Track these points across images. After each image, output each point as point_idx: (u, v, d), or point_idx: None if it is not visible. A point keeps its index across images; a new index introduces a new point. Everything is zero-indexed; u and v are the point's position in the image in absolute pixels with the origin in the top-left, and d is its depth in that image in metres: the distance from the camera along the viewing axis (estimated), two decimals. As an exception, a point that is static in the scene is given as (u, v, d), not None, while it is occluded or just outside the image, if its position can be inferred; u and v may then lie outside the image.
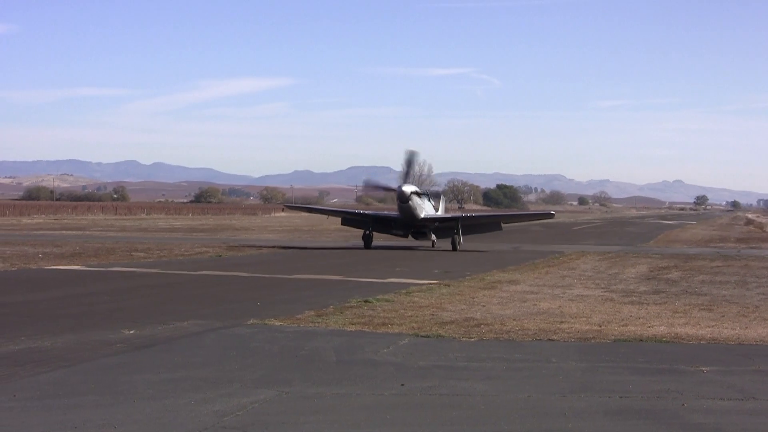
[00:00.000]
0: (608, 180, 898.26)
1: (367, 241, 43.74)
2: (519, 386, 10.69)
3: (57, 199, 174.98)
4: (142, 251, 36.96)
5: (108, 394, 9.99)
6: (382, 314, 17.09)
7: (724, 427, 9.05)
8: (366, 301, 19.01)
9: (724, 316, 17.75)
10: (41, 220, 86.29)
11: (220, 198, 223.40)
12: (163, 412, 9.24)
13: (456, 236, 43.31)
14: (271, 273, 27.13)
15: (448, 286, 23.32)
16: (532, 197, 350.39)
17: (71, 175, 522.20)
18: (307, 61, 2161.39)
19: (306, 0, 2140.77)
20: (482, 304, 19.34)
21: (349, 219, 48.79)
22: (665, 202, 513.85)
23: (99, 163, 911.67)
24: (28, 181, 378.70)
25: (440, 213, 48.77)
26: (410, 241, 47.18)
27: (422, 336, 14.46)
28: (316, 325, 15.65)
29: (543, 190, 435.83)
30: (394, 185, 45.70)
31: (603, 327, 15.76)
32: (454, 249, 42.45)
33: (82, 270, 27.77)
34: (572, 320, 16.67)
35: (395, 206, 45.42)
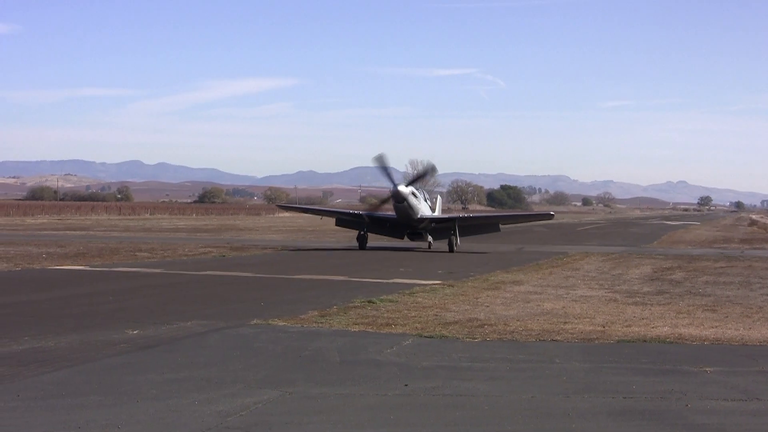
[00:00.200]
0: (612, 181, 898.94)
1: (362, 242, 42.89)
2: (522, 387, 10.68)
3: (61, 199, 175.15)
4: (146, 251, 36.99)
5: (111, 395, 9.99)
6: (385, 314, 17.09)
7: (727, 427, 9.04)
8: (370, 302, 19.00)
9: (727, 316, 17.72)
10: (45, 220, 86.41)
11: (224, 198, 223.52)
12: (167, 413, 9.25)
13: (453, 237, 42.35)
14: (275, 273, 27.13)
15: (452, 286, 23.30)
16: (535, 198, 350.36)
17: (75, 175, 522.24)
18: (311, 61, 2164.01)
19: (310, 0, 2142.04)
20: (486, 304, 19.33)
21: (343, 219, 47.67)
22: (669, 203, 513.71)
23: (103, 163, 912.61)
24: (31, 181, 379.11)
25: (437, 214, 47.64)
26: (406, 242, 46.35)
27: (426, 336, 14.46)
28: (320, 325, 15.65)
29: (547, 191, 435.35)
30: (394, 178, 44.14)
31: (607, 328, 15.74)
32: (451, 250, 41.54)
33: (86, 270, 27.79)
34: (576, 321, 16.66)
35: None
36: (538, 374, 11.47)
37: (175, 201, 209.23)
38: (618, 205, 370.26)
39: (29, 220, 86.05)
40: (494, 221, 49.22)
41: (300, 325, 15.56)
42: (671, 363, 12.33)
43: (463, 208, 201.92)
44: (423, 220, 43.44)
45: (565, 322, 16.35)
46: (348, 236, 52.63)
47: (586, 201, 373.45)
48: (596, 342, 14.16)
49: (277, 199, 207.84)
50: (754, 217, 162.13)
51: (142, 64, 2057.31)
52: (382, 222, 45.39)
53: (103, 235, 55.36)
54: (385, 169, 42.49)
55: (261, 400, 9.81)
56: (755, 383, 11.12)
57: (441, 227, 44.30)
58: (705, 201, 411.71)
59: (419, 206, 43.09)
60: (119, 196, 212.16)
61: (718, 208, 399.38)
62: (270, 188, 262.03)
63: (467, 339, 14.29)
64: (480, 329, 15.32)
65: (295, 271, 27.75)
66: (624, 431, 8.92)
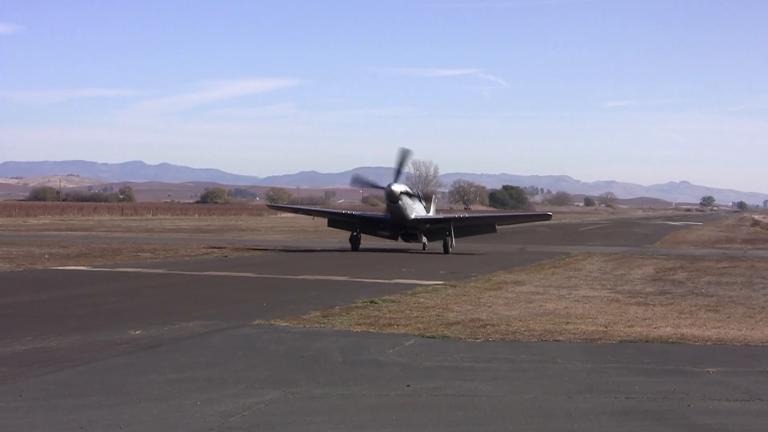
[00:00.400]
0: (614, 181, 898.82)
1: (355, 242, 41.94)
2: (525, 387, 10.68)
3: (63, 200, 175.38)
4: (148, 252, 37.01)
5: (114, 395, 10.00)
6: (387, 315, 17.09)
7: (730, 428, 9.03)
8: (372, 302, 19.00)
9: (730, 317, 17.72)
10: (47, 221, 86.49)
11: (226, 199, 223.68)
12: (169, 413, 9.25)
13: (448, 238, 41.52)
14: (277, 273, 27.14)
15: (454, 286, 23.30)
16: (538, 198, 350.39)
17: (77, 176, 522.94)
18: (313, 61, 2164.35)
19: (312, 1, 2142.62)
20: (488, 304, 19.33)
21: (336, 220, 46.69)
22: (671, 203, 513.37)
23: (105, 164, 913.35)
24: (34, 182, 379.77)
25: (431, 214, 46.81)
26: (401, 244, 45.38)
27: (428, 337, 14.46)
28: (322, 325, 15.65)
29: (549, 191, 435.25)
30: (383, 183, 43.06)
31: (609, 328, 15.74)
32: (446, 251, 40.79)
33: (88, 270, 27.81)
34: (578, 321, 16.65)
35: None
36: (540, 374, 11.47)
37: (178, 201, 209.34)
38: (620, 206, 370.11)
39: (32, 221, 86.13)
40: (490, 222, 48.20)
41: (302, 326, 15.56)
42: (673, 363, 12.32)
43: (466, 209, 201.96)
44: (417, 220, 42.70)
45: (568, 323, 16.35)
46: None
47: (588, 201, 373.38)
48: (598, 342, 14.15)
49: (280, 199, 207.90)
50: (756, 217, 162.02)
51: (145, 65, 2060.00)
52: (375, 222, 44.58)
53: (105, 235, 55.39)
54: (366, 182, 42.64)
55: (263, 401, 9.81)
56: (757, 383, 11.11)
57: (436, 228, 43.38)
58: (707, 201, 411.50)
59: (413, 206, 42.39)
60: (121, 196, 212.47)
61: (720, 208, 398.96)
62: (272, 188, 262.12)
63: (469, 339, 14.29)
64: (482, 329, 15.32)
65: (297, 272, 27.77)
66: (626, 431, 8.92)
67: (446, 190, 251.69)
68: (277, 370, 11.58)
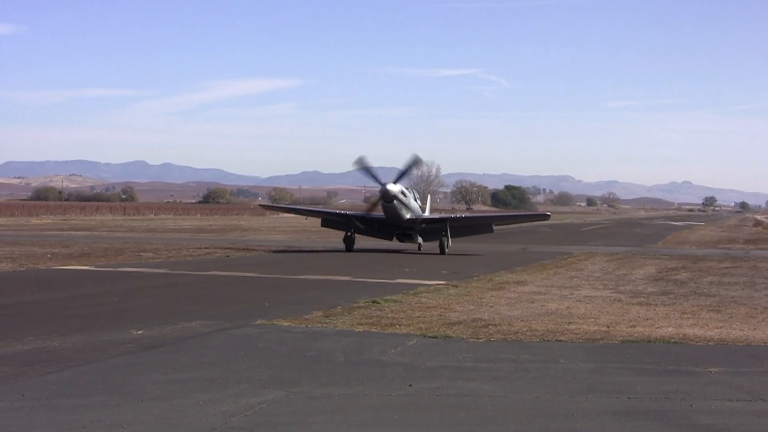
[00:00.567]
0: (617, 181, 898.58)
1: (349, 243, 40.97)
2: (527, 387, 10.68)
3: (65, 200, 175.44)
4: (151, 252, 37.03)
5: (116, 395, 10.01)
6: (390, 315, 17.09)
7: (732, 428, 9.03)
8: (374, 302, 19.00)
9: (732, 317, 17.71)
10: (50, 221, 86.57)
11: (229, 198, 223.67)
12: (171, 413, 9.26)
13: (444, 238, 40.48)
14: (279, 273, 27.15)
15: (456, 286, 23.30)
16: (540, 198, 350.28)
17: (80, 176, 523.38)
18: (316, 61, 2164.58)
19: (314, 0, 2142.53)
20: (490, 304, 19.33)
21: (329, 220, 45.76)
22: (674, 203, 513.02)
23: (107, 164, 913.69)
24: (36, 182, 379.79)
25: (426, 214, 45.94)
26: (396, 244, 44.59)
27: (430, 336, 14.46)
28: (324, 325, 15.66)
29: (551, 191, 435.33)
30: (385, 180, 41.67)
31: (611, 328, 15.73)
32: (442, 252, 39.79)
33: (91, 270, 27.83)
34: (580, 321, 16.65)
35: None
36: (542, 374, 11.47)
37: (180, 201, 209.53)
38: (622, 206, 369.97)
39: (34, 221, 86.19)
40: (487, 222, 47.22)
41: (304, 326, 15.57)
42: (675, 363, 12.32)
43: (468, 209, 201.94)
44: (413, 220, 41.89)
45: (570, 323, 16.35)
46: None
47: (590, 201, 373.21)
48: (600, 342, 14.15)
49: (282, 199, 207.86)
50: (758, 217, 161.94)
51: (147, 65, 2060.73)
52: (370, 223, 43.56)
53: (107, 235, 55.44)
54: (368, 170, 41.02)
55: (265, 401, 9.82)
56: (760, 384, 11.11)
57: (431, 228, 42.54)
58: (709, 201, 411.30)
59: (408, 206, 41.52)
60: (124, 196, 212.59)
61: (722, 208, 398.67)
62: (274, 188, 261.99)
63: (471, 339, 14.29)
64: (484, 329, 15.32)
65: (299, 272, 27.77)
66: (628, 431, 8.92)
67: (448, 190, 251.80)
68: (279, 370, 11.58)
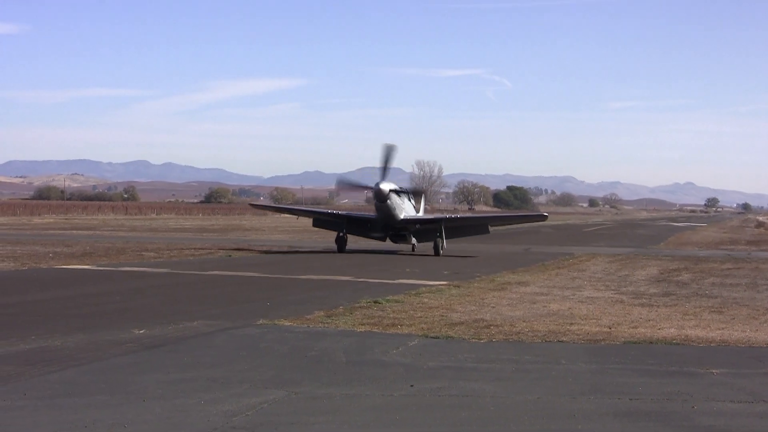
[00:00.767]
0: (619, 182, 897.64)
1: (341, 244, 40.20)
2: (528, 388, 10.68)
3: (67, 199, 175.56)
4: (152, 251, 37.06)
5: (118, 394, 10.02)
6: (391, 315, 17.10)
7: (734, 429, 9.03)
8: (376, 302, 19.01)
9: (734, 318, 17.70)
10: (52, 220, 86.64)
11: (230, 198, 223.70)
12: (173, 412, 9.27)
13: (439, 239, 39.73)
14: (281, 273, 27.16)
15: (458, 287, 23.31)
16: (542, 199, 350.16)
17: (82, 175, 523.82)
18: (318, 61, 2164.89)
19: (318, 1, 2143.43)
20: (492, 305, 19.33)
21: (321, 220, 44.72)
22: (676, 204, 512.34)
23: (110, 163, 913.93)
24: (38, 181, 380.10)
25: (421, 214, 45.13)
26: (389, 245, 43.74)
27: (432, 337, 14.46)
28: (326, 325, 15.66)
29: (553, 192, 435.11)
30: (371, 183, 40.80)
31: (613, 329, 15.73)
32: (437, 253, 39.00)
33: (93, 270, 27.85)
34: (582, 322, 16.65)
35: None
36: (544, 375, 11.46)
37: (182, 201, 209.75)
38: (625, 207, 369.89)
39: (36, 220, 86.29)
40: (483, 222, 46.10)
41: (306, 326, 15.58)
42: (677, 364, 12.31)
43: (470, 209, 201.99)
44: (407, 220, 41.02)
45: (572, 323, 16.34)
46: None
47: (592, 202, 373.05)
48: (602, 343, 14.14)
49: (284, 199, 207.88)
50: (761, 218, 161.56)
51: (149, 65, 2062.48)
52: (362, 223, 42.75)
53: (109, 234, 55.48)
54: (386, 161, 39.53)
55: (267, 400, 9.82)
56: (762, 385, 11.11)
57: (426, 229, 41.57)
58: (712, 202, 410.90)
59: (402, 206, 40.67)
60: (126, 195, 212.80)
61: (725, 209, 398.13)
62: (276, 188, 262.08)
63: (473, 340, 14.29)
64: (486, 330, 15.32)
65: (301, 272, 27.79)
66: (630, 432, 8.92)
67: (450, 191, 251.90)
68: (280, 370, 11.59)
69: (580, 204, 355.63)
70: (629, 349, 13.59)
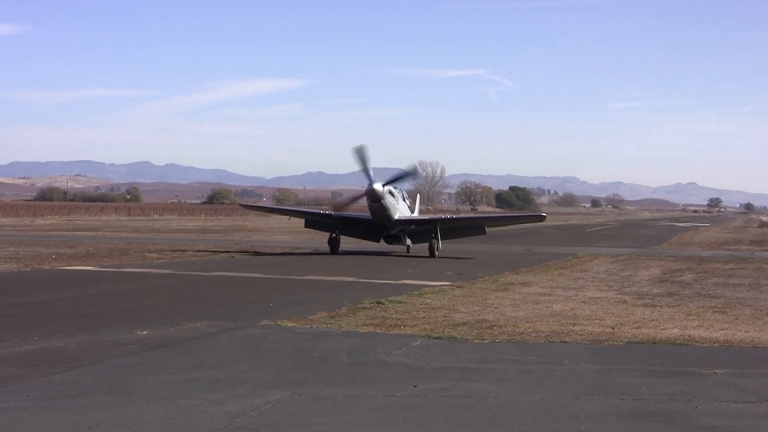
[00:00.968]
0: (621, 182, 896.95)
1: (334, 245, 39.07)
2: (531, 388, 10.67)
3: (70, 200, 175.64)
4: (155, 252, 37.09)
5: (121, 395, 10.02)
6: (394, 315, 17.10)
7: (737, 429, 9.02)
8: (378, 303, 19.02)
9: (737, 318, 17.69)
10: (54, 221, 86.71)
11: (233, 199, 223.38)
12: (176, 413, 9.27)
13: (434, 240, 38.59)
14: (284, 274, 27.17)
15: (461, 287, 23.31)
16: (544, 199, 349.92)
17: (84, 176, 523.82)
18: (321, 62, 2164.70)
19: (320, 1, 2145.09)
20: (495, 305, 19.33)
21: (313, 221, 43.42)
22: (678, 205, 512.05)
23: (112, 164, 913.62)
24: (41, 182, 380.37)
25: (416, 215, 44.32)
26: (383, 246, 43.10)
27: (435, 337, 14.46)
28: (329, 326, 15.67)
29: (556, 192, 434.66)
30: (362, 190, 39.75)
31: (616, 329, 15.72)
32: (432, 255, 37.96)
33: (96, 271, 27.87)
34: (585, 322, 16.64)
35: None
36: (547, 376, 11.46)
37: (184, 202, 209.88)
38: (627, 207, 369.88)
39: (39, 221, 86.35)
40: (479, 223, 44.85)
41: (309, 326, 15.58)
42: (681, 365, 12.31)
43: (472, 209, 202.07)
44: (401, 221, 39.94)
45: (575, 324, 16.34)
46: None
47: (595, 202, 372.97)
48: (605, 344, 14.14)
49: (286, 200, 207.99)
50: (764, 218, 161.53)
51: (152, 65, 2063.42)
52: (355, 223, 41.57)
53: (112, 235, 55.52)
54: (363, 162, 38.63)
55: (270, 401, 9.82)
56: (765, 385, 11.10)
57: (421, 230, 40.65)
58: (715, 202, 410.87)
59: (397, 206, 39.65)
60: (128, 196, 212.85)
61: (727, 209, 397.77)
62: (279, 189, 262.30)
63: (476, 340, 14.29)
64: (489, 330, 15.32)
65: (304, 272, 27.80)
66: (633, 433, 8.91)
67: (453, 191, 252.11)
68: (283, 370, 11.60)
69: (583, 204, 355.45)
70: (632, 349, 13.59)
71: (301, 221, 44.86)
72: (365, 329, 15.31)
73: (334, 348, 13.31)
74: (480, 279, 26.28)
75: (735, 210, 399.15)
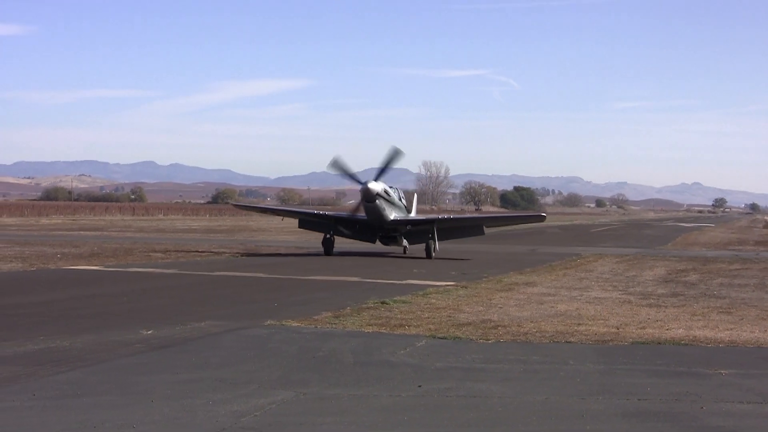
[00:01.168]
0: (626, 182, 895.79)
1: (328, 246, 38.25)
2: (536, 388, 10.67)
3: (75, 200, 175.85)
4: (160, 252, 37.12)
5: (126, 394, 10.04)
6: (399, 315, 17.10)
7: (742, 430, 9.01)
8: (383, 303, 19.01)
9: (742, 318, 17.66)
10: (59, 221, 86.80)
11: (237, 199, 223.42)
12: (181, 413, 9.28)
13: (431, 241, 37.81)
14: (288, 274, 27.18)
15: (465, 287, 23.29)
16: (549, 199, 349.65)
17: (89, 176, 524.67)
18: (324, 62, 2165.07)
19: (324, 1, 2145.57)
20: (499, 305, 19.32)
21: (307, 221, 42.54)
22: (683, 205, 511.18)
23: (117, 164, 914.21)
24: (46, 182, 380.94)
25: (413, 215, 43.60)
26: (379, 247, 42.31)
27: (439, 337, 14.46)
28: (334, 326, 15.67)
29: (560, 192, 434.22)
30: (363, 178, 38.91)
31: (621, 329, 15.71)
32: (429, 256, 37.16)
33: (100, 270, 27.90)
34: (590, 322, 16.62)
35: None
36: (551, 376, 11.45)
37: (189, 202, 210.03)
38: (632, 207, 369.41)
39: (44, 221, 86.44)
40: (478, 223, 43.85)
41: (313, 326, 15.58)
42: (686, 365, 12.29)
43: (476, 209, 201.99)
44: (397, 221, 39.08)
45: (579, 324, 16.32)
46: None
47: (599, 202, 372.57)
48: (610, 344, 14.12)
49: (291, 200, 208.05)
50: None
51: (156, 65, 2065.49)
52: (350, 224, 40.65)
53: (117, 235, 55.58)
54: (345, 172, 38.38)
55: (275, 401, 9.83)
56: (770, 386, 11.07)
57: (418, 230, 39.75)
58: (719, 203, 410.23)
59: (393, 206, 38.92)
60: (133, 196, 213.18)
61: (732, 209, 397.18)
62: (283, 189, 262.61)
63: (481, 340, 14.28)
64: (493, 330, 15.31)
65: (308, 272, 27.80)
66: (638, 433, 8.90)
67: (457, 191, 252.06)
68: (288, 370, 11.60)
69: (587, 204, 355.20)
70: (637, 349, 13.57)
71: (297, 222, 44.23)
72: (370, 329, 15.31)
73: (339, 348, 13.32)
74: (484, 279, 26.27)
75: (740, 210, 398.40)
